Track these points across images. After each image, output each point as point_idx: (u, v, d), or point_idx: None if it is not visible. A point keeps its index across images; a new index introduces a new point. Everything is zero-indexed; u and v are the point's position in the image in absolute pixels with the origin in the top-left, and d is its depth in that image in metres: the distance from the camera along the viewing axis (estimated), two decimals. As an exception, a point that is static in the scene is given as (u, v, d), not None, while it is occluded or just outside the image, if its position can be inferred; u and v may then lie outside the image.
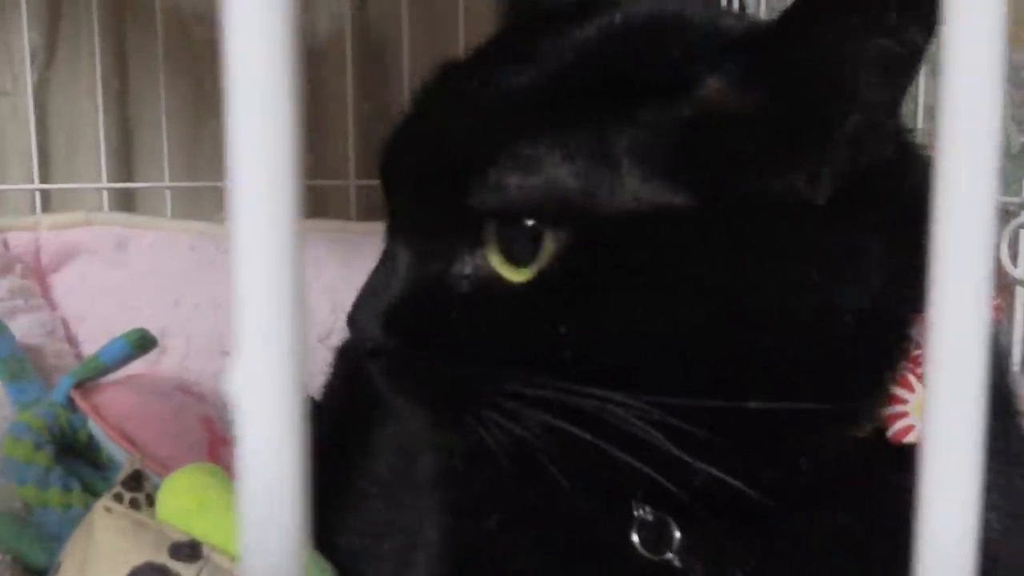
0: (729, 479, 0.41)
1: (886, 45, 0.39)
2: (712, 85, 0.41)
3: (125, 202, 1.24)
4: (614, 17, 0.46)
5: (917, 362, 0.44)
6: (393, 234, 0.46)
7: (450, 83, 0.47)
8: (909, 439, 0.44)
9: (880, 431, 0.44)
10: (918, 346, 0.44)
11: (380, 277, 0.46)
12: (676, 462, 0.41)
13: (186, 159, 1.27)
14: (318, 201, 1.25)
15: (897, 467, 0.44)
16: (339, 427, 0.75)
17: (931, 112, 1.10)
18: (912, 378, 0.44)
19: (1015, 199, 0.93)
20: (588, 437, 0.41)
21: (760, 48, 0.42)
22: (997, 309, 0.47)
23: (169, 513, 0.63)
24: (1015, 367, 0.91)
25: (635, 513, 0.46)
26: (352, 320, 0.45)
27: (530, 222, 0.41)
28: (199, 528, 0.62)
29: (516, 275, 0.42)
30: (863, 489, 0.45)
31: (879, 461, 0.45)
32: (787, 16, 0.41)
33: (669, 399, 0.40)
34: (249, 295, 0.18)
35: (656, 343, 0.41)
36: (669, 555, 0.45)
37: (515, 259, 0.42)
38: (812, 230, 0.41)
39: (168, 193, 1.19)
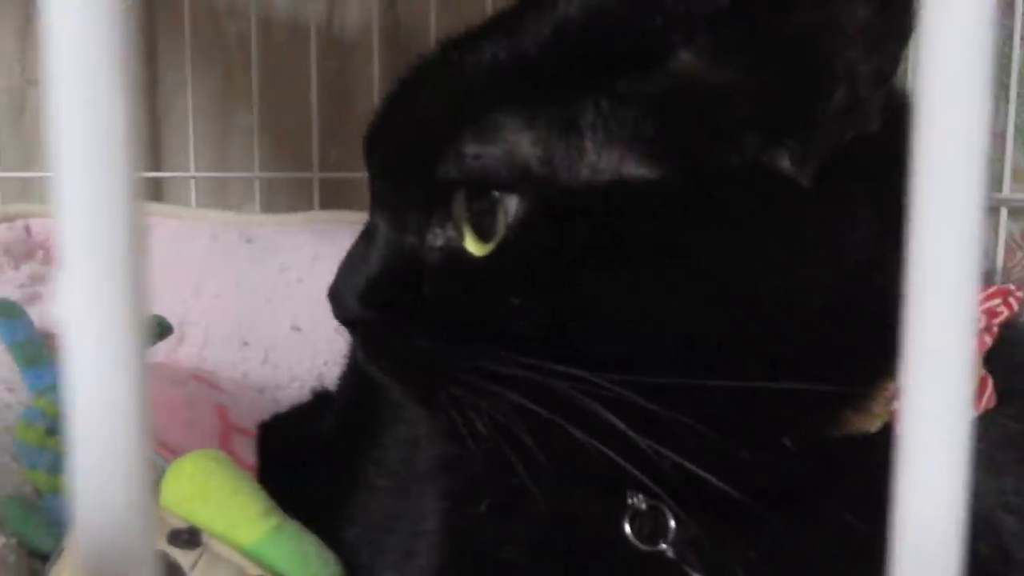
0: (694, 468, 0.39)
1: (865, 15, 0.38)
2: (685, 57, 0.40)
3: (152, 191, 1.25)
4: None
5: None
6: (374, 209, 0.46)
7: (436, 59, 0.46)
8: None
9: (891, 426, 0.42)
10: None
11: (360, 251, 0.45)
12: (641, 448, 0.39)
13: (214, 151, 1.28)
14: (345, 193, 1.24)
15: None
16: (349, 419, 0.74)
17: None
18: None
19: None
20: (553, 418, 0.40)
21: (733, 19, 0.40)
22: (1019, 301, 0.44)
23: (172, 499, 0.62)
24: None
25: (629, 502, 0.44)
26: (332, 293, 0.45)
27: (495, 194, 0.41)
28: (201, 515, 0.61)
29: (480, 248, 0.41)
30: (871, 486, 0.43)
31: (888, 458, 0.43)
32: None
33: (636, 378, 0.38)
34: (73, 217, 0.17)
35: (618, 321, 0.39)
36: (663, 546, 0.44)
37: (481, 232, 0.41)
38: (795, 206, 0.40)
39: (193, 183, 1.20)
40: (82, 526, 0.18)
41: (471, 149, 0.41)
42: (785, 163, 0.39)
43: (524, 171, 0.40)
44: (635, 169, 0.39)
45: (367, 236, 0.46)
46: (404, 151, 0.44)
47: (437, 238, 0.43)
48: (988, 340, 0.44)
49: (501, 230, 0.41)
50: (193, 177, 1.19)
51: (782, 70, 0.39)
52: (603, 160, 0.40)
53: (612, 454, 0.40)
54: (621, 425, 0.39)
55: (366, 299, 0.44)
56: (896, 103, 0.43)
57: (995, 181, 0.94)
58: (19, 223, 1.02)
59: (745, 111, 0.40)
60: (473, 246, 0.42)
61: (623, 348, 0.40)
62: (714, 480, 0.39)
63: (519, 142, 0.40)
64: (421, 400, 0.44)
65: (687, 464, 0.39)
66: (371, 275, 0.44)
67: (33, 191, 1.22)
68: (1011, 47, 0.95)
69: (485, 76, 0.42)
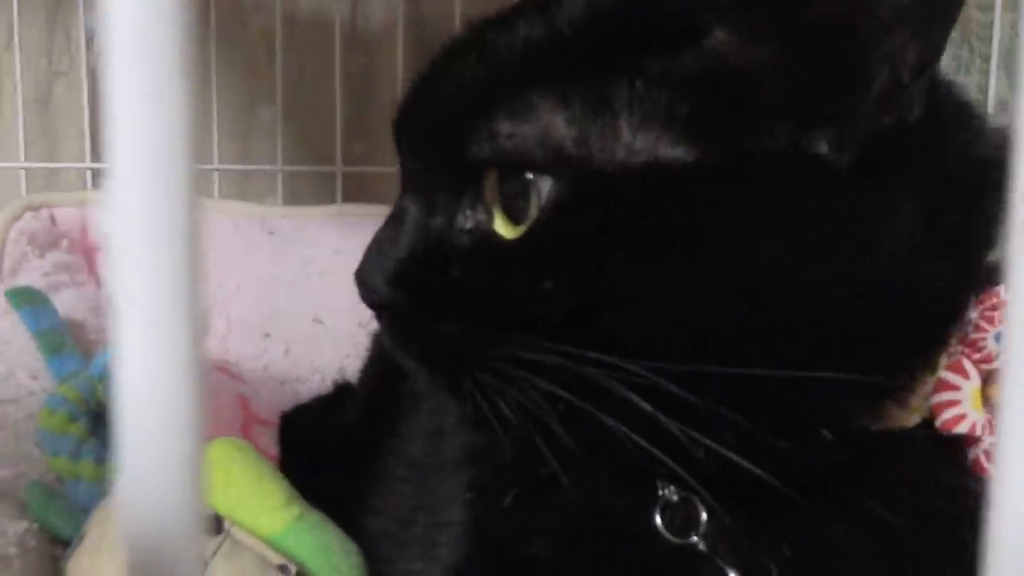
0: (733, 456, 0.38)
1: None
2: (719, 36, 0.39)
3: (175, 184, 1.25)
4: None
5: (975, 347, 0.41)
6: (403, 190, 0.45)
7: (467, 40, 0.45)
8: (959, 429, 0.41)
9: (929, 421, 0.41)
10: (977, 329, 0.41)
11: (388, 233, 0.45)
12: (676, 437, 0.38)
13: (238, 144, 1.28)
14: (367, 187, 1.24)
15: (946, 459, 0.41)
16: (371, 410, 0.74)
17: (1002, 106, 1.05)
18: (968, 364, 0.41)
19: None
20: (584, 405, 0.39)
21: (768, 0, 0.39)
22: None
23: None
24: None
25: (660, 493, 0.44)
26: (359, 276, 0.44)
27: (527, 175, 0.40)
28: (223, 502, 0.61)
29: (511, 231, 0.41)
30: (909, 481, 0.42)
31: (927, 452, 0.42)
32: None
33: (671, 366, 0.38)
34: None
35: (652, 307, 0.39)
36: (694, 538, 0.43)
37: (512, 214, 0.41)
38: (833, 192, 0.39)
39: (217, 175, 1.20)
40: (128, 522, 0.17)
41: (504, 128, 0.40)
42: (823, 148, 0.39)
43: (558, 151, 0.39)
44: (671, 151, 0.39)
45: (395, 219, 0.45)
46: (435, 130, 0.43)
47: (467, 220, 0.42)
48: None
49: (533, 212, 0.40)
50: (216, 169, 1.19)
51: (818, 54, 0.39)
52: (638, 141, 0.39)
53: (644, 442, 0.39)
54: (656, 412, 0.38)
55: (394, 282, 0.43)
56: (939, 91, 0.42)
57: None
58: (44, 212, 1.02)
59: (781, 94, 0.39)
60: (504, 228, 0.41)
61: (657, 334, 0.39)
62: (753, 468, 0.39)
63: (554, 122, 0.39)
64: (448, 386, 0.43)
65: (724, 451, 0.38)
66: (399, 258, 0.43)
67: (59, 181, 1.22)
68: (1017, 41, 0.94)
69: (519, 55, 0.42)
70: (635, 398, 0.38)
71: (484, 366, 0.41)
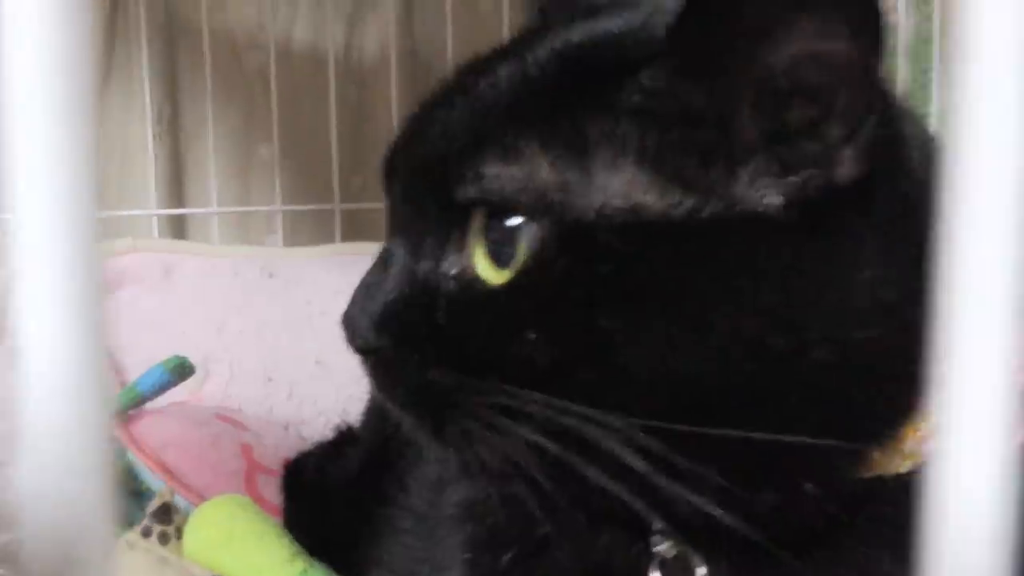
0: (715, 511, 0.38)
1: (840, 47, 0.37)
2: (651, 73, 0.40)
3: (175, 228, 1.25)
4: (626, 7, 0.45)
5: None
6: (390, 233, 0.45)
7: (454, 83, 0.46)
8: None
9: (922, 466, 0.41)
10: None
11: (374, 277, 0.45)
12: (661, 490, 0.38)
13: (236, 185, 1.28)
14: (366, 223, 1.24)
15: None
16: (374, 458, 0.73)
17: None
18: None
19: None
20: (568, 457, 0.39)
21: (691, 45, 0.39)
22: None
23: (196, 544, 0.62)
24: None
25: (654, 549, 0.43)
26: (345, 320, 0.44)
27: (513, 221, 0.40)
28: (225, 560, 0.61)
29: (497, 276, 0.41)
30: (901, 525, 0.42)
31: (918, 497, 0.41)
32: (689, 6, 0.39)
33: (651, 422, 0.37)
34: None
35: (632, 361, 0.38)
36: None
37: (497, 259, 0.41)
38: (790, 250, 0.39)
39: (216, 219, 1.20)
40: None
41: (491, 170, 0.40)
42: (774, 201, 0.39)
43: (542, 196, 0.40)
44: (643, 196, 0.39)
45: (382, 262, 0.45)
46: (423, 173, 0.44)
47: (453, 265, 0.42)
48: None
49: (519, 258, 0.40)
50: (216, 213, 1.20)
51: (754, 102, 0.39)
52: (613, 183, 0.39)
53: (628, 496, 0.39)
54: (639, 465, 0.38)
55: (379, 327, 0.43)
56: (902, 146, 0.41)
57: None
58: None
59: (723, 141, 0.39)
60: (489, 273, 0.41)
61: (636, 389, 0.39)
62: (737, 523, 0.38)
63: (538, 165, 0.40)
64: (432, 433, 0.43)
65: (706, 506, 0.38)
66: (385, 302, 0.43)
67: None
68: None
69: (501, 99, 0.42)
70: (620, 449, 0.38)
71: (469, 413, 0.41)
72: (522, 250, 0.40)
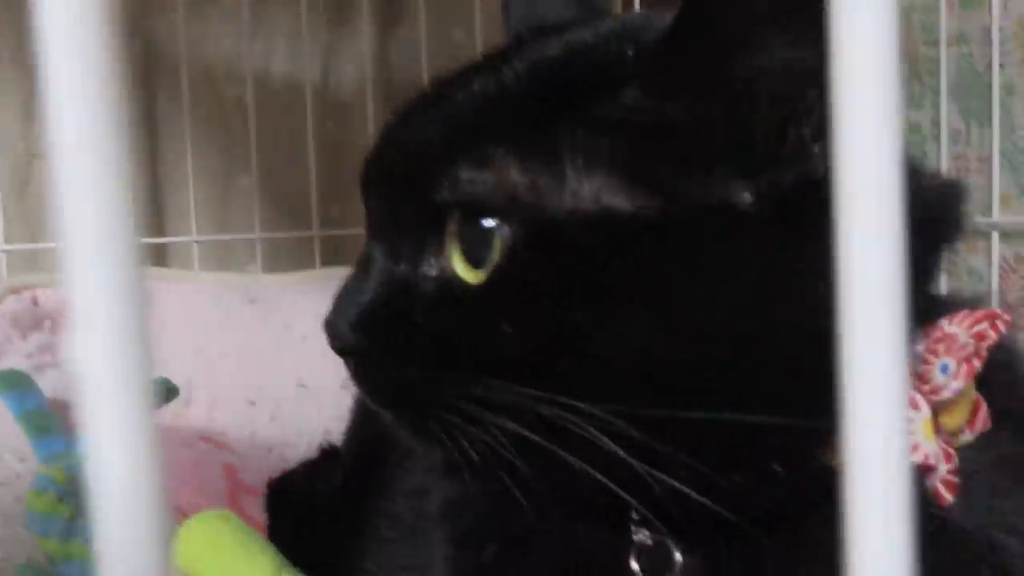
0: (687, 490, 0.40)
1: (810, 57, 0.38)
2: (631, 91, 0.42)
3: (155, 256, 1.26)
4: (588, 25, 0.47)
5: (924, 379, 0.43)
6: (369, 238, 0.47)
7: (431, 93, 0.48)
8: (914, 459, 0.42)
9: None
10: (925, 362, 0.43)
11: (354, 281, 0.46)
12: (637, 475, 0.40)
13: (215, 215, 1.30)
14: (345, 249, 1.26)
15: None
16: (357, 472, 0.74)
17: (955, 136, 1.08)
18: (918, 396, 0.42)
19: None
20: (546, 444, 0.40)
21: (674, 59, 0.41)
22: (1008, 324, 0.45)
23: (182, 559, 0.63)
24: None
25: (634, 538, 0.45)
26: (327, 323, 0.46)
27: (487, 223, 0.42)
28: (211, 573, 0.62)
29: (473, 276, 0.42)
30: None
31: None
32: (678, 22, 0.41)
33: (627, 408, 0.39)
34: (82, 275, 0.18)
35: (605, 353, 0.40)
36: None
37: (473, 260, 0.42)
38: (760, 243, 0.40)
39: (196, 247, 1.21)
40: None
41: (465, 175, 0.42)
42: (745, 199, 0.41)
43: (513, 198, 0.41)
44: (613, 199, 0.41)
45: (362, 267, 0.47)
46: (400, 178, 0.45)
47: (431, 267, 0.44)
48: (978, 364, 0.45)
49: (494, 258, 0.42)
50: (196, 241, 1.21)
51: (726, 111, 0.41)
52: (584, 188, 0.41)
53: (606, 480, 0.40)
54: (615, 449, 0.40)
55: (359, 327, 0.44)
56: None
57: (984, 207, 0.96)
58: (26, 294, 1.03)
59: (694, 147, 0.41)
60: (465, 273, 0.43)
61: (611, 378, 0.41)
62: (709, 503, 0.40)
63: (509, 169, 0.41)
64: (414, 429, 0.45)
65: (680, 487, 0.40)
66: (364, 303, 0.45)
67: (39, 263, 1.24)
68: (991, 75, 0.97)
69: (476, 108, 0.44)
70: (596, 435, 0.40)
71: (449, 407, 0.43)
72: (497, 250, 0.42)
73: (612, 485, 0.40)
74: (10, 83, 1.22)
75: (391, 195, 0.46)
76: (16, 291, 1.02)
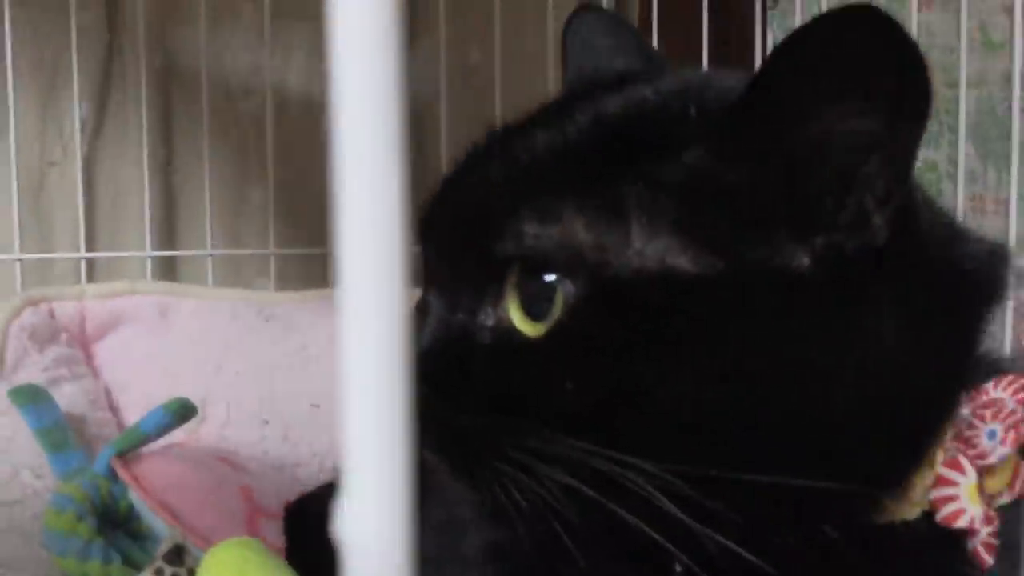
0: (741, 551, 0.40)
1: (875, 128, 0.39)
2: (695, 153, 0.42)
3: (168, 270, 1.26)
4: (650, 81, 0.48)
5: (970, 444, 0.43)
6: (427, 285, 0.48)
7: (491, 143, 0.48)
8: (959, 523, 0.43)
9: (929, 513, 0.43)
10: (971, 427, 0.43)
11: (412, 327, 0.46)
12: (690, 532, 0.40)
13: (229, 229, 1.30)
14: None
15: (946, 550, 0.43)
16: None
17: (972, 176, 1.09)
18: (964, 461, 0.43)
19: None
20: (601, 499, 0.41)
21: (742, 123, 0.42)
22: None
23: (208, 589, 0.63)
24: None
25: None
26: None
27: (548, 277, 0.42)
28: (238, 604, 0.62)
29: (532, 329, 0.43)
30: (914, 570, 0.44)
31: (929, 543, 0.44)
32: (749, 91, 0.42)
33: (682, 467, 0.40)
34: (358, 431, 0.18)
35: (663, 411, 0.41)
36: None
37: (533, 313, 0.43)
38: (816, 308, 0.41)
39: (210, 261, 1.21)
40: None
41: (530, 228, 0.42)
42: (804, 263, 0.41)
43: (578, 255, 0.42)
44: (677, 260, 0.41)
45: (419, 313, 0.47)
46: (462, 228, 0.46)
47: (489, 317, 0.44)
48: (1024, 429, 0.45)
49: (556, 313, 0.42)
50: (210, 255, 1.21)
51: (790, 178, 0.41)
52: (648, 248, 0.41)
53: (657, 536, 0.41)
54: (669, 506, 0.40)
55: (416, 375, 0.45)
56: (918, 212, 0.44)
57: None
58: (43, 307, 1.03)
59: (759, 208, 0.42)
60: (523, 325, 0.43)
61: (667, 436, 0.41)
62: (762, 564, 0.40)
63: (575, 226, 0.42)
64: (468, 477, 0.45)
65: (733, 547, 0.40)
66: (420, 350, 0.45)
67: (52, 272, 1.23)
68: (1011, 117, 0.98)
69: (539, 161, 0.45)
70: (651, 492, 0.40)
71: (503, 457, 0.43)
72: (558, 305, 0.42)
73: (662, 540, 0.41)
74: (26, 91, 1.22)
75: (451, 244, 0.47)
76: (34, 304, 1.02)
